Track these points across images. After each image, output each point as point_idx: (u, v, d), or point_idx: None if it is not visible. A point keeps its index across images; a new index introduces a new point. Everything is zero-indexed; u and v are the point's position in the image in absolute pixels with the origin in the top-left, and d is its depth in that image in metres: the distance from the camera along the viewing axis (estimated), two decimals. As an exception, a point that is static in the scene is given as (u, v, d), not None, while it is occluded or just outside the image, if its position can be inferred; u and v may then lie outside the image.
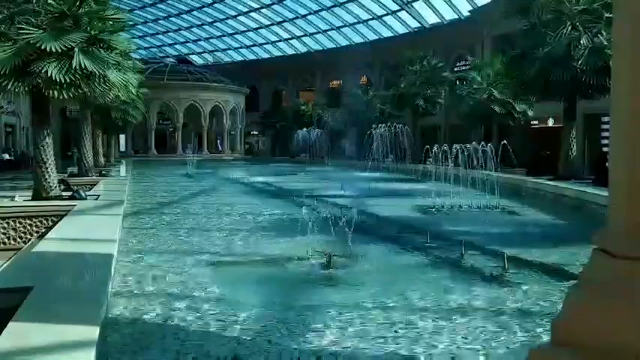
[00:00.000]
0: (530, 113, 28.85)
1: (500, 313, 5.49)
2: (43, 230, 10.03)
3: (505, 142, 18.92)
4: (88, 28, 11.80)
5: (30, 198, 12.36)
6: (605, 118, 24.63)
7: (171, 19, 65.45)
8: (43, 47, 10.52)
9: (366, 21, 50.03)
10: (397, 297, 6.04)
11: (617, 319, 2.10)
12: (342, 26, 52.96)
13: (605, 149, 27.20)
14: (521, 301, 5.87)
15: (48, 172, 12.33)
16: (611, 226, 2.29)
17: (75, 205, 10.99)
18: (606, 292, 2.17)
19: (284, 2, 54.11)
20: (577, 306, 2.33)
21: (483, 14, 37.03)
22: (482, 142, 17.08)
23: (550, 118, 30.73)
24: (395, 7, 46.53)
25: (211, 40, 67.96)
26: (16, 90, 11.29)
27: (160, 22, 66.83)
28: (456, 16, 42.20)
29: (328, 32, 54.72)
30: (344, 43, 53.18)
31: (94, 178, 19.12)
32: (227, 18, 61.10)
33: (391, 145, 31.04)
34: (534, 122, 32.27)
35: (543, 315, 5.34)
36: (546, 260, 7.79)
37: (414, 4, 44.81)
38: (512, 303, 5.82)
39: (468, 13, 40.31)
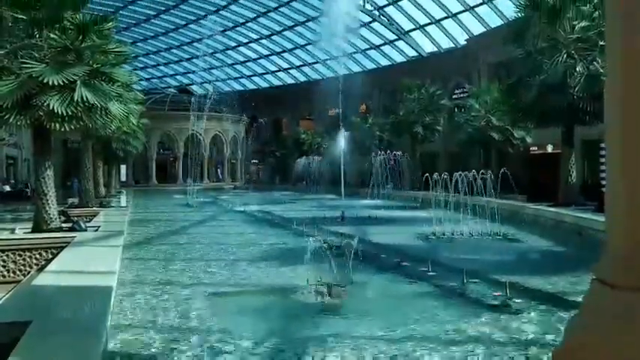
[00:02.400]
0: (528, 140, 28.99)
1: (503, 342, 5.45)
2: (43, 262, 9.99)
3: (505, 169, 18.98)
4: (90, 62, 11.95)
5: (30, 230, 12.35)
6: (604, 144, 24.70)
7: (172, 50, 66.38)
8: (45, 81, 10.63)
9: (365, 50, 50.69)
10: (398, 327, 6.00)
11: (618, 348, 2.10)
12: (340, 56, 53.59)
13: (602, 174, 27.27)
14: (524, 330, 5.83)
15: (48, 203, 12.33)
16: (610, 256, 2.30)
17: (75, 237, 10.97)
18: (606, 321, 2.16)
19: (283, 33, 54.93)
20: (578, 335, 2.33)
21: (479, 42, 37.50)
22: (482, 171, 17.13)
23: (549, 144, 30.85)
24: (392, 36, 47.21)
25: (212, 71, 68.73)
26: (18, 123, 11.37)
27: (162, 53, 67.76)
28: (453, 45, 42.77)
29: (327, 62, 55.38)
30: (342, 72, 53.80)
31: (94, 208, 19.11)
32: (227, 49, 61.95)
33: (391, 172, 31.14)
34: (533, 148, 32.40)
35: (545, 344, 5.29)
36: (548, 288, 7.76)
37: (411, 34, 45.48)
38: (515, 332, 5.78)
39: (465, 42, 40.85)
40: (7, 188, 33.81)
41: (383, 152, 31.61)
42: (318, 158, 42.65)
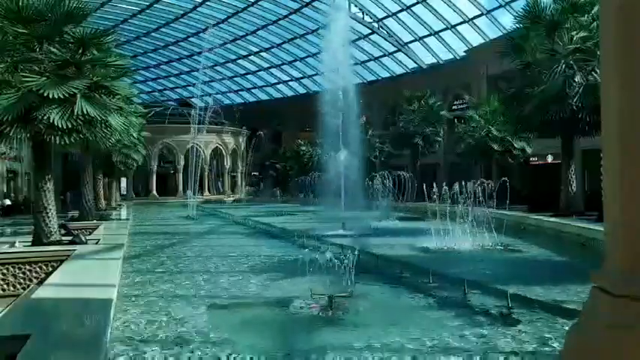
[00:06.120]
0: (528, 150, 29.03)
1: (504, 352, 5.42)
2: (43, 276, 9.96)
3: (505, 179, 18.98)
4: (91, 75, 12.00)
5: (30, 243, 12.33)
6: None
7: (172, 63, 66.68)
8: (45, 94, 10.67)
9: (364, 62, 50.90)
10: (399, 338, 5.97)
11: (617, 355, 2.09)
12: (340, 68, 53.74)
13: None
14: (526, 341, 5.80)
15: (49, 216, 12.33)
16: (609, 265, 2.29)
17: (75, 250, 10.95)
18: (607, 329, 2.16)
19: (283, 46, 55.23)
20: (578, 342, 2.32)
21: (478, 53, 37.70)
22: (482, 179, 17.15)
23: (549, 155, 30.91)
24: (392, 48, 47.45)
25: (212, 84, 68.98)
26: (18, 136, 11.40)
27: (162, 67, 68.05)
28: (452, 56, 42.98)
29: (326, 74, 55.57)
30: (341, 84, 53.93)
31: (94, 221, 19.08)
32: (227, 62, 62.24)
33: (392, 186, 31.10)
34: (533, 159, 32.45)
35: (548, 353, 5.26)
36: (550, 298, 7.72)
37: (411, 46, 45.69)
38: (516, 342, 5.75)
39: (464, 53, 41.05)
40: (8, 202, 33.84)
41: (386, 173, 31.47)
42: (318, 174, 42.59)
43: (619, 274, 2.20)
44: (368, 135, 42.69)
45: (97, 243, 12.81)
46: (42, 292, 7.10)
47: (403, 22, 43.52)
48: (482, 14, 37.88)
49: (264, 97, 66.96)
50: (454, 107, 42.21)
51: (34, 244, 12.19)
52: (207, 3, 49.08)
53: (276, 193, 53.18)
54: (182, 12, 51.64)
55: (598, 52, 17.04)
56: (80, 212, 20.70)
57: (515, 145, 28.28)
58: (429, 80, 42.18)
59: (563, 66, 17.49)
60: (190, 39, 58.35)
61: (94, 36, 12.08)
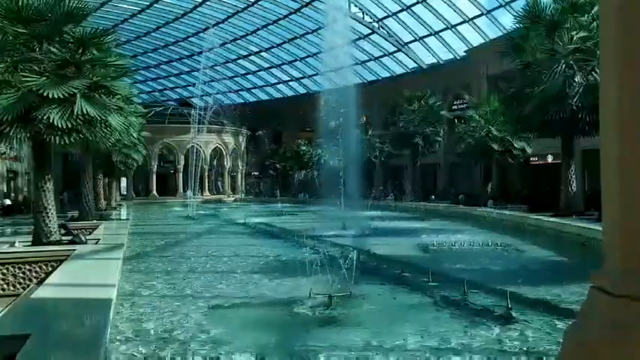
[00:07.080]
0: (528, 150, 29.02)
1: (504, 352, 5.42)
2: (43, 276, 9.95)
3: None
4: (90, 75, 11.99)
5: (30, 243, 12.32)
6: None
7: (172, 63, 66.66)
8: (45, 94, 10.66)
9: (364, 62, 50.88)
10: (398, 338, 5.97)
11: (616, 356, 2.09)
12: (340, 68, 53.73)
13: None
14: (524, 340, 5.80)
15: (48, 216, 12.31)
16: (609, 265, 2.29)
17: (75, 250, 10.94)
18: (605, 329, 2.15)
19: (283, 46, 55.24)
20: (576, 343, 2.32)
21: (478, 53, 37.66)
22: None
23: (549, 155, 30.88)
24: (392, 48, 47.44)
25: (212, 84, 68.92)
26: (18, 136, 11.38)
27: (162, 66, 68.03)
28: (452, 56, 42.94)
29: (326, 74, 55.57)
30: (342, 84, 53.90)
31: (94, 221, 19.07)
32: (227, 62, 62.21)
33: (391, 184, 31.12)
34: (534, 158, 32.42)
35: (546, 353, 5.26)
36: (549, 298, 7.72)
37: (411, 45, 45.67)
38: (516, 342, 5.74)
39: (464, 53, 41.01)
40: (8, 202, 33.84)
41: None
42: (316, 173, 42.64)
43: (619, 274, 2.19)
44: (368, 135, 42.66)
45: (96, 243, 12.80)
46: (42, 292, 7.10)
47: (403, 22, 43.47)
48: (482, 14, 37.84)
49: (264, 97, 66.92)
50: (454, 107, 42.17)
51: (34, 244, 12.18)
52: (207, 3, 49.04)
53: (276, 193, 53.20)
54: (182, 12, 51.60)
55: (598, 52, 17.07)
56: (80, 212, 20.69)
57: (515, 145, 28.24)
58: (429, 80, 42.14)
59: (563, 66, 17.49)
60: (190, 39, 58.30)
61: (94, 36, 12.06)
